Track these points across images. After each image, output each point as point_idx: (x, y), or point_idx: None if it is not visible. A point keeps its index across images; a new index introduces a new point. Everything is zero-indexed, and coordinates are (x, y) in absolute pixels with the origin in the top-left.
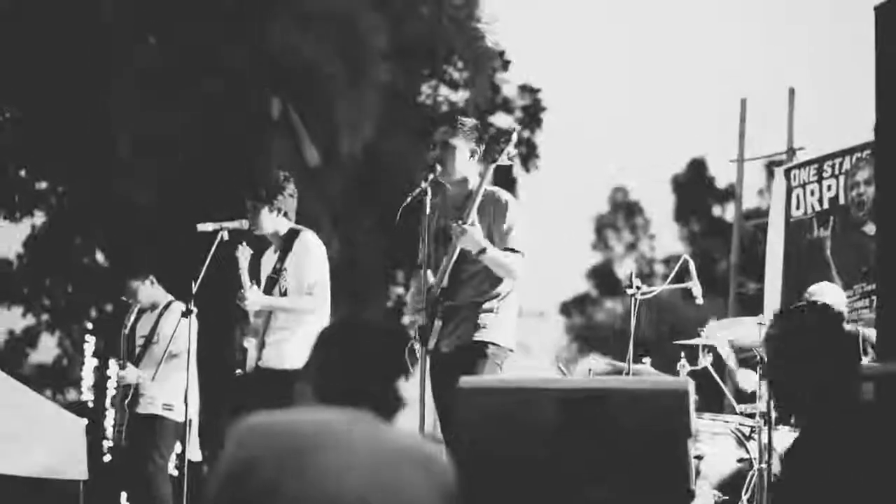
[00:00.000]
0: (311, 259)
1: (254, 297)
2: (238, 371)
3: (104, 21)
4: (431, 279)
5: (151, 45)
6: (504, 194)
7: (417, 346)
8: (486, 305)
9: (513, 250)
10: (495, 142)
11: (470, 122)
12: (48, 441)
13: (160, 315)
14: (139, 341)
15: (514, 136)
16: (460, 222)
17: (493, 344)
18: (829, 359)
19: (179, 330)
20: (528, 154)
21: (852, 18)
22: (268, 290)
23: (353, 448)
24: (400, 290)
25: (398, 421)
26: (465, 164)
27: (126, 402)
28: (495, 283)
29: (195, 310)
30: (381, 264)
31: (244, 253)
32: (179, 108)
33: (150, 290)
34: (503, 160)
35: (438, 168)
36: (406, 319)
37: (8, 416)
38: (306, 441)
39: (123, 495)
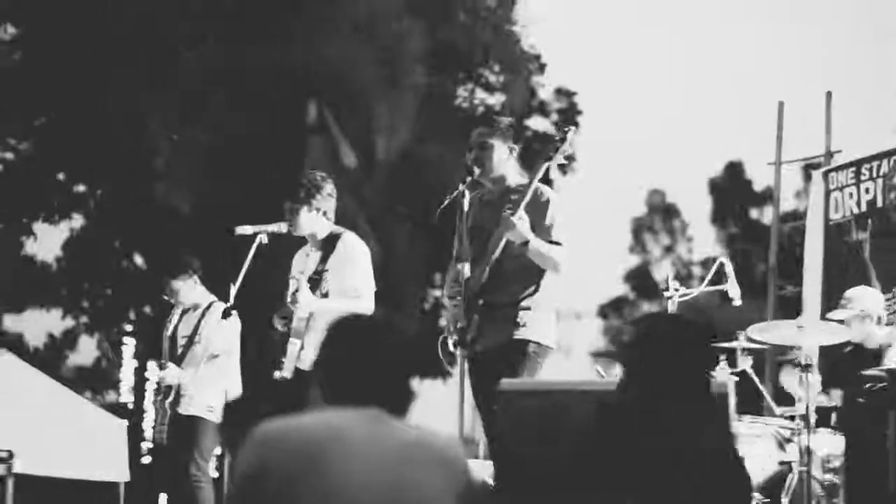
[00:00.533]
0: (355, 262)
1: (306, 300)
2: (277, 373)
3: (143, 29)
4: (468, 273)
5: (189, 52)
6: (546, 190)
7: (452, 345)
8: (525, 303)
9: (556, 243)
10: (550, 140)
11: (506, 120)
12: (90, 443)
13: (202, 316)
14: (181, 342)
15: (571, 135)
16: (509, 212)
17: (534, 342)
18: (676, 367)
19: (220, 331)
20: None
21: (890, 21)
22: (311, 291)
23: (362, 448)
24: (437, 292)
25: (431, 421)
26: (502, 162)
27: (167, 402)
28: (534, 281)
29: (235, 311)
30: (418, 266)
31: (299, 257)
32: (217, 113)
33: (192, 291)
34: (559, 159)
35: (476, 169)
36: (443, 321)
37: (50, 418)
38: (317, 444)
39: (163, 497)
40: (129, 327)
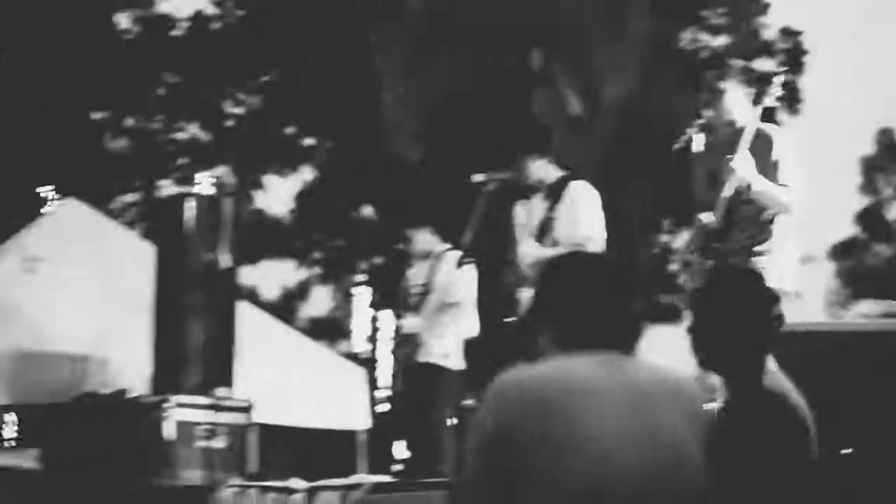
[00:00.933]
0: (583, 208)
1: (528, 249)
2: (508, 319)
3: None
4: (705, 219)
5: (416, 4)
6: (770, 130)
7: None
8: (758, 248)
9: (783, 185)
10: (761, 84)
11: (738, 64)
12: (330, 391)
13: (436, 265)
14: (417, 291)
15: (778, 78)
16: (729, 158)
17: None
18: (744, 324)
19: (455, 279)
20: (792, 97)
21: None
22: (539, 240)
23: (605, 394)
24: (665, 237)
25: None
26: (734, 106)
27: (404, 351)
28: (768, 225)
29: (471, 259)
30: (646, 212)
31: (519, 207)
32: (443, 63)
33: (426, 240)
34: (769, 102)
35: (707, 112)
36: (674, 266)
37: (291, 367)
38: (560, 393)
39: (400, 444)
40: (361, 277)
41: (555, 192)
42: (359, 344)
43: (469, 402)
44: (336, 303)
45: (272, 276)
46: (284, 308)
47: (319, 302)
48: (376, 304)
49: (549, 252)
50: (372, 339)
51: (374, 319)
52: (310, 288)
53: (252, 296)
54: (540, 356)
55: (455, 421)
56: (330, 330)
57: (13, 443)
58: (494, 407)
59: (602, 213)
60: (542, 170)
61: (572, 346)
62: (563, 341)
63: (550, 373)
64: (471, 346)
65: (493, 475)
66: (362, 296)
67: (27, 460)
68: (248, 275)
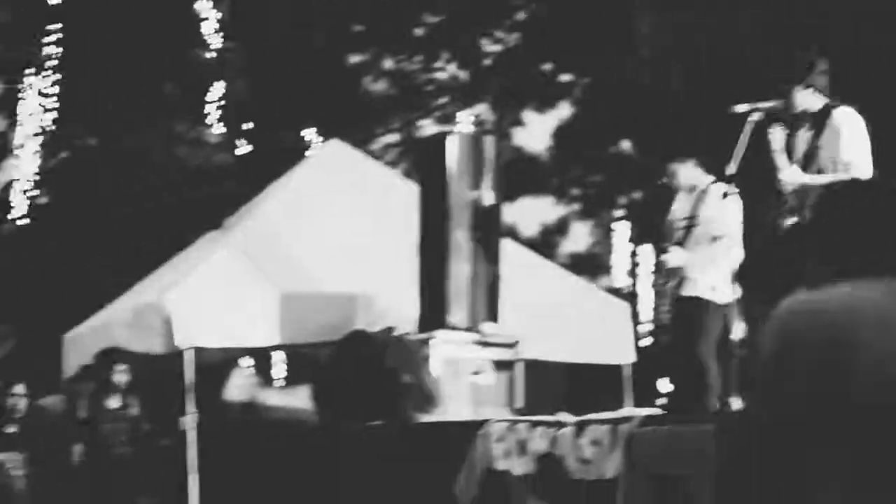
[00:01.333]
0: (847, 135)
1: (790, 176)
2: (774, 248)
3: None
4: None
5: None
6: None
7: None
8: None
9: None
10: None
11: None
12: (596, 326)
13: (701, 197)
14: (681, 224)
15: None
16: None
17: None
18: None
19: (721, 212)
20: None
21: None
22: (804, 169)
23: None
24: None
25: None
26: None
27: (669, 285)
28: None
29: (736, 191)
30: None
31: (776, 134)
32: None
33: (689, 173)
34: None
35: None
36: None
37: (556, 303)
38: (849, 317)
39: (664, 378)
40: (620, 212)
41: (819, 121)
42: (619, 279)
43: (736, 335)
44: (595, 238)
45: (530, 212)
46: (543, 244)
47: (579, 238)
48: (636, 239)
49: (814, 179)
50: (632, 273)
51: (634, 254)
52: (569, 224)
53: (512, 233)
54: (813, 284)
55: (719, 355)
56: (590, 265)
57: (283, 382)
58: (778, 337)
59: (868, 140)
60: (807, 99)
61: (850, 274)
62: (841, 268)
63: (834, 300)
64: (738, 278)
65: (779, 406)
66: (622, 231)
67: (299, 399)
68: (507, 212)
